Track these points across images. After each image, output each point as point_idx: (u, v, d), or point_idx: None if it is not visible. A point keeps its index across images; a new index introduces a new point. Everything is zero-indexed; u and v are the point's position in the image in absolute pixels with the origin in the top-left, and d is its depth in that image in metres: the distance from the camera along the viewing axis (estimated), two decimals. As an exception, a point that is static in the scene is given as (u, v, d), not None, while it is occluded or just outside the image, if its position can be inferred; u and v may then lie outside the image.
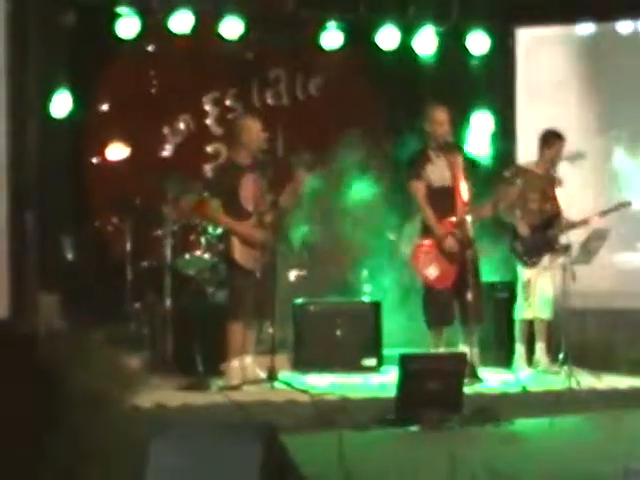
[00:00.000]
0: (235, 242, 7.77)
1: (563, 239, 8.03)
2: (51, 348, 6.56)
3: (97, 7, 8.76)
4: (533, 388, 7.48)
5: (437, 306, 7.85)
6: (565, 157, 8.22)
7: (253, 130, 7.86)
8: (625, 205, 8.23)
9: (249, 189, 7.83)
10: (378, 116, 9.92)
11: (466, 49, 9.42)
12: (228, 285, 8.02)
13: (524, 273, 8.23)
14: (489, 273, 8.71)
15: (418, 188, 7.93)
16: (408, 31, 9.41)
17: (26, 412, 5.60)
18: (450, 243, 7.83)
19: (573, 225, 8.13)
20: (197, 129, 10.02)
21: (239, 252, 7.76)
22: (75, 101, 9.01)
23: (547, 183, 8.15)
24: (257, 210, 7.81)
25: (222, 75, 9.89)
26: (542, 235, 8.19)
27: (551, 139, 8.28)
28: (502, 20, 9.29)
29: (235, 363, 7.73)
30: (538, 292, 8.16)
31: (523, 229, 8.21)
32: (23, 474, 4.98)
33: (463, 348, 7.75)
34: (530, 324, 8.31)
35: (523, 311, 8.25)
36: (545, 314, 8.22)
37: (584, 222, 8.11)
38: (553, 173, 8.19)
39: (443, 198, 7.84)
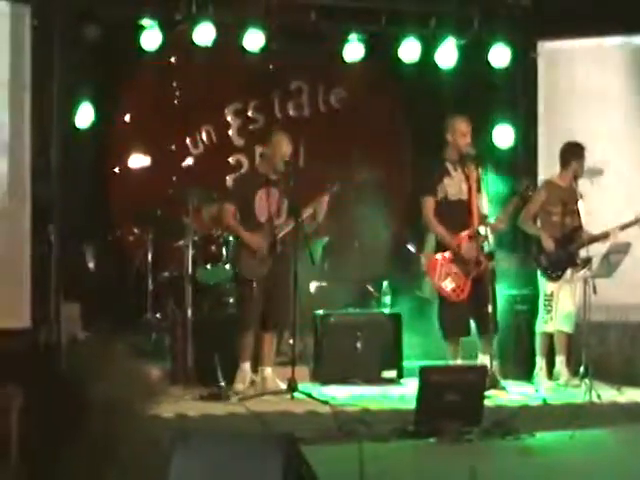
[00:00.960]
0: (242, 252, 7.89)
1: (584, 252, 8.03)
2: (73, 357, 6.80)
3: (120, 20, 8.80)
4: (553, 401, 7.48)
5: (452, 318, 7.86)
6: (585, 173, 8.26)
7: (282, 145, 7.97)
8: None
9: (265, 201, 7.92)
10: (399, 128, 9.97)
11: (488, 62, 9.35)
12: (236, 294, 8.18)
13: (547, 286, 8.24)
14: (508, 285, 8.72)
15: (428, 203, 7.96)
16: (429, 44, 9.43)
17: (48, 418, 5.73)
18: (466, 250, 7.82)
19: (594, 239, 8.13)
20: (219, 140, 10.07)
21: (245, 262, 7.89)
22: (98, 112, 9.07)
23: (569, 196, 8.15)
24: (270, 223, 7.87)
25: (244, 86, 9.94)
26: (565, 249, 8.20)
27: (577, 151, 8.32)
28: (524, 33, 9.30)
29: (243, 368, 7.85)
30: (560, 306, 8.17)
31: (548, 243, 8.23)
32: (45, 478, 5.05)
33: (482, 359, 7.73)
34: (551, 337, 8.32)
35: (545, 324, 8.27)
36: (567, 327, 8.23)
37: (604, 236, 8.11)
38: (575, 186, 8.19)
39: (459, 211, 7.88)
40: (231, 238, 8.40)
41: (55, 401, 5.86)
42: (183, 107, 9.79)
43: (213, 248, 8.72)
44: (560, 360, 8.25)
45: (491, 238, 7.91)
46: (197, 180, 9.14)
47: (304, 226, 7.90)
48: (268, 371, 7.91)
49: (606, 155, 8.86)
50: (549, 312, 8.17)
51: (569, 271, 8.20)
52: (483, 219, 7.88)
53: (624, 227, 8.14)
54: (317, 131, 10.02)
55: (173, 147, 9.92)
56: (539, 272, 8.30)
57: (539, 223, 8.36)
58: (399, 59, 9.50)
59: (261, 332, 7.93)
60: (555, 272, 8.16)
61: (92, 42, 8.77)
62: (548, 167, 8.70)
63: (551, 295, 8.18)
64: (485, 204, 7.95)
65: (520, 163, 9.28)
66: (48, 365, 6.50)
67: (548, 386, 8.11)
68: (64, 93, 8.07)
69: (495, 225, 7.90)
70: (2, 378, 6.04)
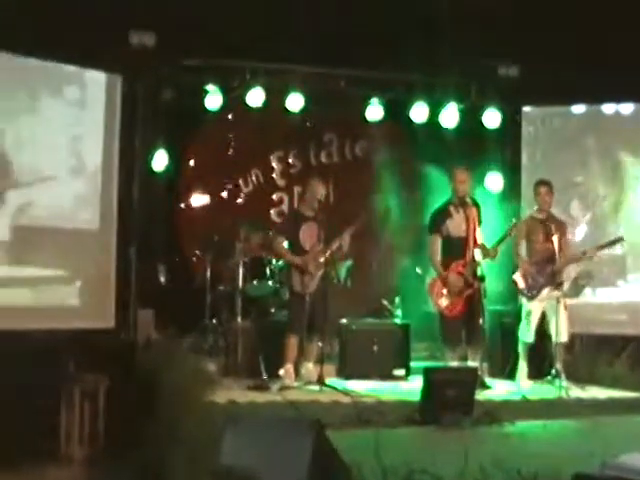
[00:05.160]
0: (294, 273, 7.92)
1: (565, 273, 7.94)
2: (147, 354, 6.90)
3: (190, 85, 8.85)
4: (531, 396, 7.43)
5: (448, 329, 7.81)
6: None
7: (316, 189, 8.05)
8: (618, 241, 8.08)
9: (307, 233, 8.03)
10: (411, 175, 9.87)
11: (482, 122, 9.31)
12: (288, 306, 8.18)
13: (526, 304, 8.10)
14: (496, 302, 8.66)
15: (434, 240, 7.94)
16: (435, 107, 9.42)
17: (127, 402, 5.76)
18: (452, 280, 7.82)
19: (573, 259, 8.00)
20: (265, 181, 10.09)
21: (296, 281, 7.92)
22: (170, 158, 9.12)
23: (548, 225, 7.95)
24: (312, 250, 7.95)
25: (286, 138, 9.97)
26: (543, 271, 8.00)
27: (537, 187, 8.17)
28: (511, 100, 9.29)
29: (289, 367, 7.83)
30: (558, 320, 7.92)
31: (524, 268, 8.11)
32: (129, 454, 5.11)
33: (471, 363, 7.68)
34: (529, 345, 8.15)
35: (526, 334, 8.12)
36: (563, 337, 7.95)
37: (583, 255, 7.97)
38: (553, 216, 8.14)
39: (458, 245, 7.85)
40: (280, 262, 8.46)
41: (132, 388, 6.01)
42: (237, 154, 9.84)
43: (259, 268, 8.75)
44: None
45: (483, 263, 7.90)
46: (247, 213, 9.27)
47: (334, 253, 7.97)
48: (310, 366, 7.96)
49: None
50: (528, 325, 7.99)
51: (546, 290, 8.01)
52: (482, 248, 7.80)
53: (600, 248, 8.01)
54: (344, 175, 10.06)
55: (229, 186, 9.98)
56: (518, 292, 8.20)
57: (524, 250, 8.16)
58: (411, 119, 9.51)
59: (306, 335, 7.93)
60: (531, 292, 8.01)
61: (167, 101, 8.84)
62: (530, 206, 8.68)
63: (529, 312, 8.03)
64: (481, 236, 7.94)
65: (508, 204, 9.23)
66: (127, 359, 6.57)
67: (528, 384, 7.96)
68: (144, 143, 8.16)
69: (488, 253, 7.86)
70: (92, 368, 6.15)
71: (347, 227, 7.98)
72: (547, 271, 7.97)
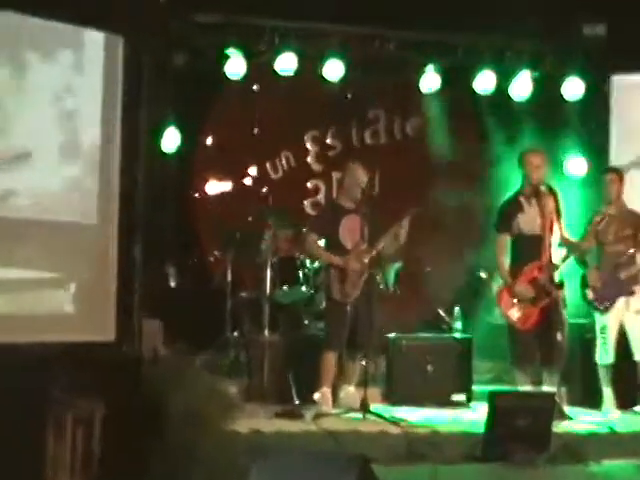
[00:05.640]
0: (333, 277, 7.93)
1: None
2: (154, 370, 6.83)
3: (207, 48, 8.92)
4: (621, 429, 7.34)
5: (520, 346, 7.79)
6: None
7: (357, 175, 8.02)
8: None
9: (348, 229, 7.99)
10: (473, 159, 9.89)
11: (561, 94, 9.31)
12: (325, 317, 8.17)
13: (598, 319, 8.09)
14: (576, 315, 8.57)
15: (501, 240, 7.89)
16: (505, 76, 9.34)
17: (128, 430, 5.77)
18: (519, 291, 7.77)
19: None
20: (297, 165, 10.17)
21: (336, 286, 7.92)
22: (183, 137, 9.18)
23: (622, 222, 8.01)
24: (355, 249, 7.94)
25: (323, 114, 10.01)
26: (614, 278, 7.99)
27: (604, 176, 8.21)
28: (597, 66, 9.22)
29: (327, 391, 7.84)
30: (633, 334, 7.97)
31: (592, 276, 8.08)
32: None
33: (547, 388, 7.62)
34: (613, 366, 8.09)
35: (604, 356, 8.03)
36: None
37: None
38: (628, 210, 8.09)
39: (532, 245, 7.75)
40: (316, 264, 8.49)
41: (135, 413, 5.98)
42: (264, 133, 9.88)
43: (290, 270, 8.75)
44: None
45: (562, 267, 7.82)
46: (276, 204, 9.23)
47: (383, 250, 7.95)
48: (351, 389, 7.95)
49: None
50: (605, 343, 7.97)
51: (621, 300, 7.98)
52: (566, 242, 7.80)
53: None
54: (393, 158, 10.06)
55: (254, 171, 10.04)
56: (587, 305, 8.19)
57: (589, 259, 8.16)
58: (474, 91, 9.50)
59: (347, 352, 7.93)
60: (602, 304, 8.00)
61: (179, 69, 8.89)
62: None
63: (604, 327, 8.00)
64: (563, 231, 7.88)
65: (592, 192, 9.05)
66: (129, 378, 6.57)
67: (616, 414, 7.88)
68: (152, 118, 8.11)
69: (577, 247, 7.82)
70: (88, 389, 6.15)
71: (398, 220, 7.91)
72: (621, 277, 7.97)
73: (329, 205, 9.13)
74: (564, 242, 7.79)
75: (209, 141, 9.91)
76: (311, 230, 8.16)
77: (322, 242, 8.06)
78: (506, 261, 7.89)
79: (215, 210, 9.74)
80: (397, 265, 9.19)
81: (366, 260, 7.92)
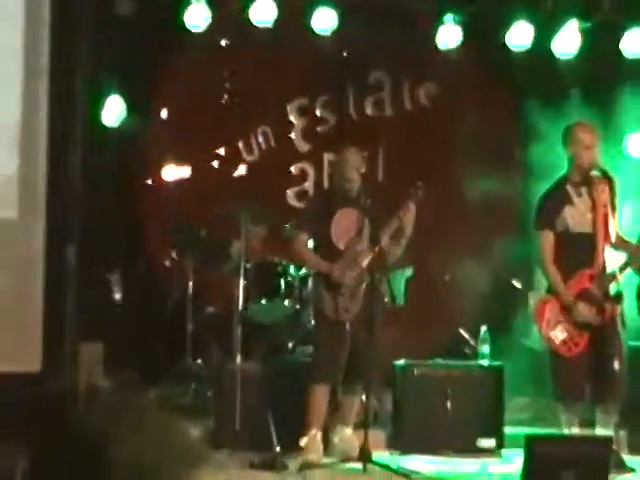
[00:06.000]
0: (324, 287, 7.92)
1: None
2: (92, 410, 6.80)
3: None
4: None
5: (566, 377, 7.80)
6: None
7: (357, 158, 7.98)
8: None
9: (343, 226, 7.96)
10: (505, 134, 9.95)
11: (619, 50, 9.42)
12: (315, 339, 8.17)
13: None
14: (636, 336, 8.54)
15: (545, 239, 7.85)
16: (545, 27, 9.45)
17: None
18: (580, 311, 7.73)
19: None
20: (278, 144, 10.20)
21: (328, 300, 7.88)
22: (130, 107, 9.24)
23: None
24: (351, 250, 7.91)
25: (311, 78, 10.06)
26: None
27: None
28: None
29: (316, 435, 7.81)
30: None
31: None
32: None
33: (600, 431, 7.60)
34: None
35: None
36: None
37: None
38: None
39: (582, 246, 7.77)
40: (303, 270, 8.58)
41: (67, 465, 5.97)
42: (235, 102, 9.94)
43: (270, 279, 8.83)
44: None
45: (621, 277, 7.75)
46: (251, 193, 9.23)
47: (388, 251, 7.90)
48: (348, 432, 7.95)
49: None
50: None
51: None
52: (621, 244, 7.81)
53: None
54: (402, 135, 10.10)
55: (222, 152, 10.07)
56: None
57: None
58: (506, 46, 9.57)
59: (343, 385, 7.93)
60: None
61: (125, 20, 8.93)
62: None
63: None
64: (618, 229, 7.87)
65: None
66: (60, 419, 6.51)
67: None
68: (89, 83, 8.18)
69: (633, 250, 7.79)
70: (4, 434, 6.11)
71: (405, 201, 7.85)
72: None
73: (319, 195, 9.20)
74: (618, 245, 7.81)
75: (164, 113, 9.92)
76: (298, 228, 8.17)
77: (311, 242, 8.09)
78: (551, 265, 7.82)
79: (172, 202, 9.74)
80: (407, 272, 9.20)
81: (365, 264, 7.87)
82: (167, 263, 9.41)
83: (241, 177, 9.94)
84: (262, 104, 9.99)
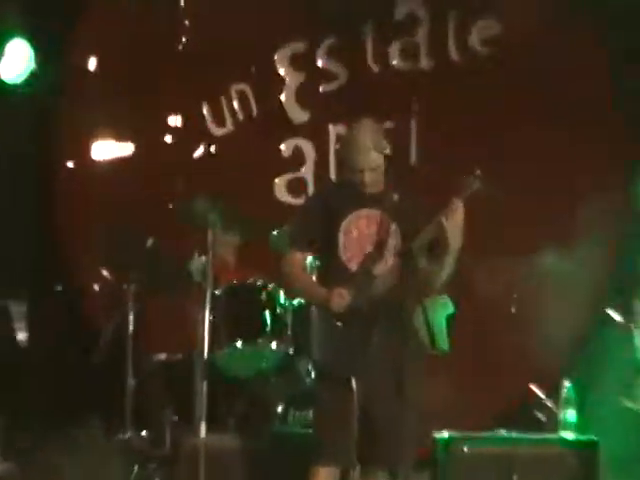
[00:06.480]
0: (323, 324, 7.62)
1: None
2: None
3: None
4: None
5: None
6: None
7: (370, 141, 7.59)
8: None
9: (356, 234, 7.64)
10: (599, 95, 9.80)
11: None
12: (315, 401, 7.90)
13: None
14: None
15: None
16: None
17: None
18: None
19: None
20: (262, 112, 10.23)
21: (329, 343, 7.65)
22: (40, 57, 9.26)
23: None
24: (367, 271, 7.59)
25: (310, 13, 9.99)
26: None
27: None
28: None
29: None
30: None
31: None
32: None
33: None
34: None
35: None
36: None
37: None
38: None
39: None
40: (296, 301, 8.69)
41: None
42: (198, 49, 9.94)
43: (247, 311, 8.67)
44: None
45: None
46: (221, 185, 9.27)
47: (425, 272, 7.55)
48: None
49: None
50: None
51: None
52: None
53: None
54: (445, 98, 9.99)
55: (178, 122, 10.03)
56: None
57: None
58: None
59: (361, 468, 7.54)
60: None
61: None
62: None
63: None
64: None
65: None
66: None
67: None
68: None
69: None
70: None
71: (451, 198, 7.37)
72: None
73: (322, 188, 8.90)
74: None
75: (91, 65, 9.91)
76: (291, 238, 7.86)
77: (309, 260, 7.99)
78: None
79: (105, 195, 9.76)
80: (449, 304, 8.85)
81: (380, 287, 7.52)
82: (97, 287, 9.38)
83: (206, 159, 9.97)
84: (238, 52, 9.99)
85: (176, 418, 8.80)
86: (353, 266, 7.43)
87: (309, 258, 7.85)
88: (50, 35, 9.43)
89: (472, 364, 9.54)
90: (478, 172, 7.36)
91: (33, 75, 9.24)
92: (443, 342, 8.08)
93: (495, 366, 9.75)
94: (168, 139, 10.00)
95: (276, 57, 10.15)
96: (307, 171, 10.06)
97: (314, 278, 7.83)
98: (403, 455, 7.45)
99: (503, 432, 8.92)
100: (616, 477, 8.81)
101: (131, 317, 8.86)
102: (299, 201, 9.74)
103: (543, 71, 9.78)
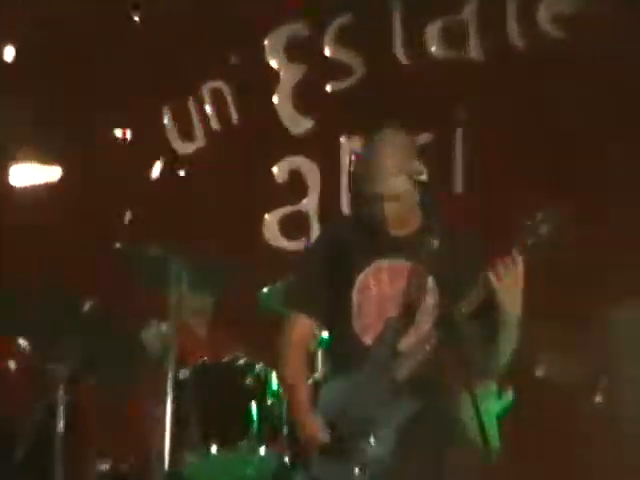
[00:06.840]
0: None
1: None
2: None
3: None
4: None
5: None
6: None
7: (398, 160, 7.21)
8: None
9: (377, 293, 7.24)
10: None
11: None
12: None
13: None
14: None
15: None
16: None
17: None
18: None
19: None
20: (245, 119, 10.53)
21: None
22: None
23: None
24: (385, 342, 7.18)
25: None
26: None
27: None
28: None
29: None
30: None
31: None
32: None
33: None
34: None
35: None
36: None
37: None
38: None
39: None
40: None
41: None
42: (153, 34, 9.93)
43: (229, 402, 8.41)
44: None
45: None
46: (187, 223, 9.14)
47: (471, 346, 7.12)
48: None
49: None
50: None
51: None
52: None
53: None
54: (502, 98, 10.17)
55: (127, 134, 9.83)
56: None
57: None
58: None
59: None
60: None
61: None
62: None
63: None
64: None
65: None
66: None
67: None
68: None
69: None
70: None
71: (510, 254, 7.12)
72: None
73: (331, 229, 8.42)
74: None
75: (8, 54, 9.87)
76: (291, 299, 7.46)
77: (317, 331, 8.10)
78: None
79: (25, 235, 9.72)
80: (507, 395, 9.01)
81: (405, 371, 7.13)
82: (12, 366, 9.05)
83: (167, 186, 9.88)
84: (212, 35, 9.95)
85: None
86: (368, 339, 7.01)
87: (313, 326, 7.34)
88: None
89: (539, 470, 9.31)
90: (541, 213, 6.98)
91: None
92: (495, 443, 8.17)
93: (569, 474, 9.48)
94: (113, 158, 9.81)
95: (266, 43, 10.04)
96: (309, 203, 9.89)
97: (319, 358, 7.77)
98: None
99: None
100: None
101: (61, 409, 8.46)
102: (298, 245, 9.54)
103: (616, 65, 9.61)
